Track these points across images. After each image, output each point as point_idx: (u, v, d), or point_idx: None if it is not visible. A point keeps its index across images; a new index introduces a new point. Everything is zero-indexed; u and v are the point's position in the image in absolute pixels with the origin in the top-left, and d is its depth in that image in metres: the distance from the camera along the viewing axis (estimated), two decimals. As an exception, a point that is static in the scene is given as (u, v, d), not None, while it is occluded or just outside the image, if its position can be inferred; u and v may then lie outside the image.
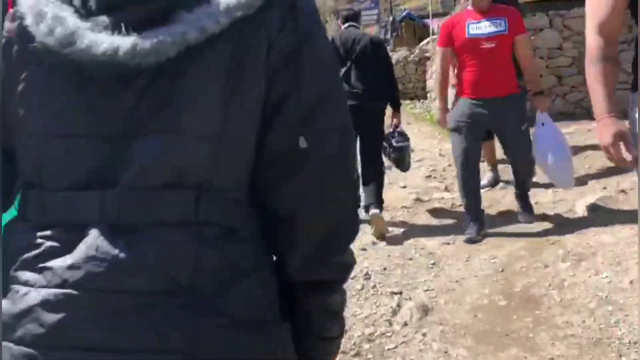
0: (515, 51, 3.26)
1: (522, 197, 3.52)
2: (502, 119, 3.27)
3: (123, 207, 0.58)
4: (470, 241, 3.27)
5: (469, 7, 3.32)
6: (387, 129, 3.80)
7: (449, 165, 5.16)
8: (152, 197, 0.58)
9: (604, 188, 3.78)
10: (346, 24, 3.74)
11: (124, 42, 0.56)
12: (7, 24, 0.64)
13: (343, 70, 3.47)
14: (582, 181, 3.91)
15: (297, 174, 0.63)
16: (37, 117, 0.61)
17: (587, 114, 4.69)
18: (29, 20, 0.59)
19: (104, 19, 0.59)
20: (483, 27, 3.18)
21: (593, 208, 3.47)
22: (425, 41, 13.54)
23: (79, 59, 0.57)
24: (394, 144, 3.69)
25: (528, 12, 5.67)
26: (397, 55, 11.17)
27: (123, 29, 0.57)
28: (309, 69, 0.62)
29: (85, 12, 0.60)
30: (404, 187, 4.55)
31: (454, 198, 4.10)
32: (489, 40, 3.17)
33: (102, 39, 0.57)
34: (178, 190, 0.59)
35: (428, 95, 10.23)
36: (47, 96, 0.60)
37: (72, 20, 0.58)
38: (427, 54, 10.47)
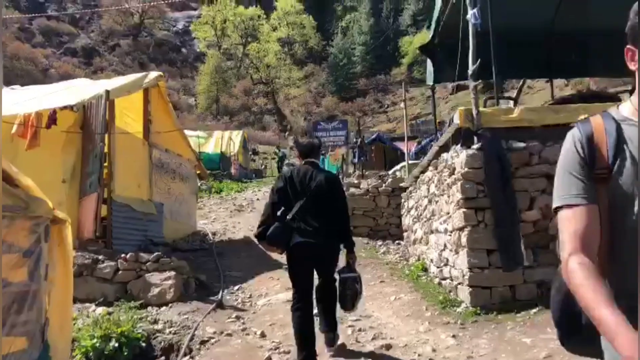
0: None
1: None
2: None
3: None
4: None
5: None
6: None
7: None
8: None
9: None
10: (304, 160, 3.78)
11: None
12: None
13: (298, 205, 3.51)
14: None
15: None
16: None
17: None
18: None
19: None
20: None
21: None
22: (398, 166, 11.87)
23: None
24: (340, 275, 3.65)
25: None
26: (366, 183, 9.22)
27: None
28: None
29: None
30: None
31: None
32: None
33: None
34: None
35: (405, 235, 8.08)
36: None
37: None
38: (402, 184, 8.54)
